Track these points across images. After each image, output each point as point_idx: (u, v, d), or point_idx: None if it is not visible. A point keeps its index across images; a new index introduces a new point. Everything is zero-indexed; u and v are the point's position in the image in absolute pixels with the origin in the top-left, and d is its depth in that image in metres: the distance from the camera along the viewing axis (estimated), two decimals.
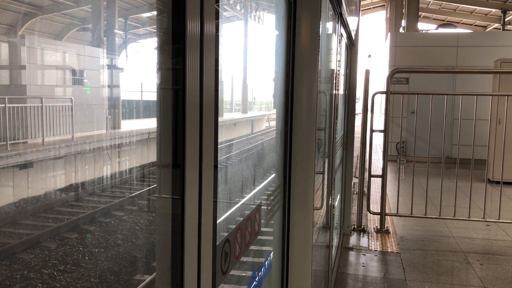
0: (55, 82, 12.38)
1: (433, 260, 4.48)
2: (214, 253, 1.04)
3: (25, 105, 10.70)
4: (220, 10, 1.13)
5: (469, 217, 5.28)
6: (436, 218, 5.43)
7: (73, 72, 12.77)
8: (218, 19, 1.05)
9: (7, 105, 9.88)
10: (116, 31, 14.91)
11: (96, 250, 6.80)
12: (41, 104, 10.64)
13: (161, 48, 0.98)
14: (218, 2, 1.05)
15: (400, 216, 5.61)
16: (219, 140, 1.27)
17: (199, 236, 0.96)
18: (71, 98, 11.59)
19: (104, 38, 14.21)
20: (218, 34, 1.04)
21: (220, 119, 1.13)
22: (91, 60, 13.27)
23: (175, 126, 0.93)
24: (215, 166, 1.04)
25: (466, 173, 5.78)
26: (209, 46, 0.98)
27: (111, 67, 14.10)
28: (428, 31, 14.46)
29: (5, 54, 12.03)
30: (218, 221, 1.08)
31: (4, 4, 17.36)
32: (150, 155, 13.48)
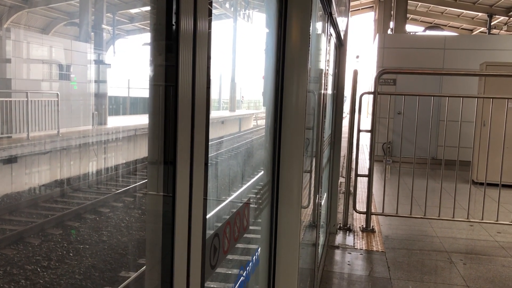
0: (41, 76, 12.24)
1: (418, 259, 4.54)
2: (204, 247, 1.05)
3: (10, 99, 10.57)
4: (212, 7, 1.13)
5: (453, 217, 5.35)
6: (421, 218, 5.49)
7: (60, 66, 12.63)
8: (211, 16, 1.05)
9: None
10: (104, 26, 14.78)
11: (81, 246, 6.74)
12: (26, 99, 10.51)
13: (154, 45, 0.98)
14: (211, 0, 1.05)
15: (386, 215, 5.67)
16: None
17: (189, 231, 0.96)
18: (57, 93, 11.46)
19: (92, 33, 14.09)
20: (210, 31, 1.04)
21: None
22: (78, 55, 13.14)
23: (167, 123, 0.93)
24: (206, 163, 1.04)
25: (450, 174, 5.85)
26: (202, 43, 0.98)
27: (98, 62, 13.98)
28: (416, 33, 14.60)
29: None
30: (207, 216, 1.08)
31: None
32: (137, 152, 13.41)
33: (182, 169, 0.93)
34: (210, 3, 1.04)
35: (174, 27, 0.89)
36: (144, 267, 5.28)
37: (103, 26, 14.60)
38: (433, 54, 11.19)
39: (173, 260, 0.91)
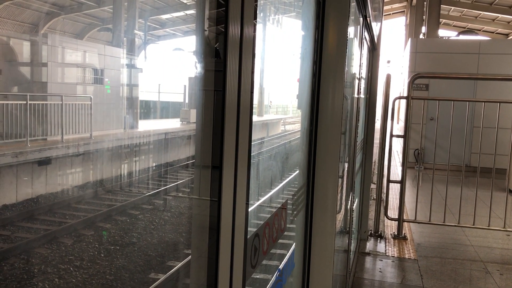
0: (75, 80, 12.55)
1: (451, 268, 4.43)
2: (245, 247, 1.05)
3: (46, 102, 10.86)
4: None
5: (488, 226, 5.20)
6: (455, 226, 5.36)
7: (93, 71, 12.93)
8: (256, 23, 1.06)
9: (28, 102, 10.03)
10: (136, 31, 15.06)
11: (112, 247, 6.86)
12: (61, 102, 10.79)
13: (202, 51, 0.99)
14: (257, 5, 1.06)
15: (418, 222, 5.55)
16: None
17: (233, 231, 0.97)
18: (90, 97, 11.72)
19: (124, 39, 14.37)
20: (255, 38, 1.05)
21: None
22: (111, 59, 13.42)
23: (214, 128, 0.94)
24: (248, 167, 1.05)
25: (485, 182, 5.70)
26: (248, 49, 0.99)
27: (130, 67, 14.24)
28: (449, 38, 14.32)
29: (28, 52, 12.23)
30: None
31: (27, 3, 17.68)
32: (167, 155, 13.57)
33: (227, 172, 0.93)
34: (255, 11, 1.04)
35: (222, 34, 0.90)
36: (190, 265, 5.34)
37: (135, 31, 14.88)
38: (467, 59, 10.94)
39: (218, 259, 0.91)
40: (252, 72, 1.04)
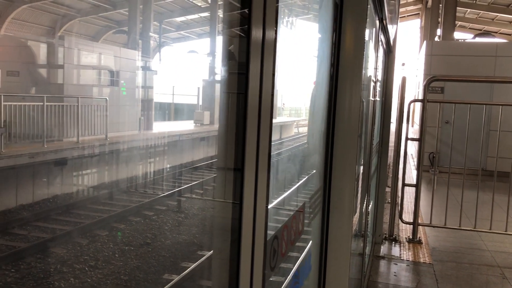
0: (91, 82, 12.68)
1: (468, 273, 4.38)
2: (265, 249, 1.06)
3: (62, 104, 10.98)
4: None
5: (506, 231, 5.13)
6: (471, 230, 5.30)
7: (109, 73, 13.05)
8: (277, 26, 1.06)
9: (45, 103, 10.16)
10: (151, 34, 15.17)
11: (126, 248, 6.92)
12: (77, 104, 10.91)
13: (225, 54, 1.00)
14: (278, 8, 1.07)
15: (433, 226, 5.50)
16: None
17: (254, 233, 0.98)
18: (106, 99, 11.84)
19: (139, 41, 14.50)
20: (276, 41, 1.06)
21: None
22: (126, 61, 13.54)
23: (237, 130, 0.95)
24: (269, 169, 1.06)
25: (501, 186, 5.62)
26: (269, 52, 1.00)
27: (145, 69, 14.36)
28: (465, 40, 14.18)
29: (45, 54, 12.39)
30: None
31: (44, 6, 17.93)
32: (181, 157, 13.65)
33: (249, 174, 0.94)
34: (277, 14, 1.05)
35: (244, 37, 0.91)
36: (211, 266, 5.36)
37: (150, 33, 15.00)
38: (484, 61, 10.82)
39: (239, 260, 0.92)
40: (273, 75, 1.05)
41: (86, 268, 5.97)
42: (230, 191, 0.96)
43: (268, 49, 0.99)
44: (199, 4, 20.09)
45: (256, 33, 0.92)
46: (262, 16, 0.95)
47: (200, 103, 18.89)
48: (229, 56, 0.99)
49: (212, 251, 5.69)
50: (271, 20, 0.99)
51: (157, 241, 7.23)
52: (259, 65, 0.95)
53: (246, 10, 0.91)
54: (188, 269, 5.65)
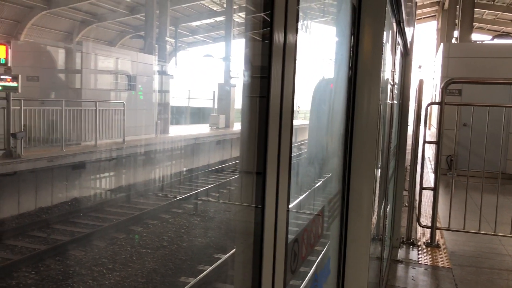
0: (108, 86, 12.83)
1: (488, 278, 4.31)
2: (286, 252, 1.06)
3: (80, 108, 11.13)
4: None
5: None
6: (491, 234, 5.22)
7: (127, 77, 13.18)
8: (298, 31, 1.07)
9: (64, 108, 10.30)
10: (167, 38, 15.29)
11: (143, 250, 6.96)
12: (95, 108, 11.04)
13: (247, 58, 1.01)
14: (298, 14, 1.07)
15: (452, 230, 5.43)
16: None
17: (275, 236, 0.98)
18: (123, 103, 11.96)
19: (156, 46, 14.63)
20: (296, 45, 1.06)
21: None
22: (143, 66, 13.67)
23: (259, 134, 0.96)
24: (289, 173, 1.06)
25: None
26: (290, 56, 1.01)
27: (162, 73, 14.47)
28: (483, 42, 14.00)
29: (63, 60, 12.57)
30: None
31: (63, 12, 18.22)
32: (197, 160, 13.72)
33: (271, 177, 0.95)
34: (297, 19, 1.06)
35: (267, 41, 0.92)
36: (234, 269, 5.37)
37: (167, 38, 15.12)
38: (503, 63, 10.66)
39: (261, 263, 0.93)
40: (294, 78, 1.05)
41: (104, 271, 6.02)
42: (252, 194, 0.97)
43: (289, 53, 1.00)
44: (215, 9, 20.20)
45: (278, 37, 0.93)
46: (284, 20, 0.96)
47: (216, 106, 18.96)
48: (251, 60, 1.00)
49: (234, 252, 5.70)
50: (292, 23, 0.99)
51: (173, 244, 7.25)
52: (280, 68, 0.96)
53: (266, 14, 0.92)
54: (205, 272, 5.66)
